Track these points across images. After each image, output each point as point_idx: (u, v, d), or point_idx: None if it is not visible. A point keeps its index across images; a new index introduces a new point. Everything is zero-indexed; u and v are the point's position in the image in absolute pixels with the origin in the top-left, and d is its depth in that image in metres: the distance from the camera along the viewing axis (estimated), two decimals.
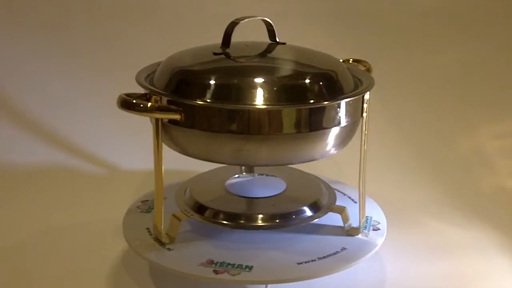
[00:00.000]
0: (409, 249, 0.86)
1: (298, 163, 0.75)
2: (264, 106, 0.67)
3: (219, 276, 0.70)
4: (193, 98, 0.68)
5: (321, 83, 0.70)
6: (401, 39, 1.20)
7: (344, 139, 0.73)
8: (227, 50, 0.75)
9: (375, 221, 0.81)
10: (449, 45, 1.20)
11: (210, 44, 0.78)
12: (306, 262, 0.72)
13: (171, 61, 0.76)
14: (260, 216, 0.76)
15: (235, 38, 0.76)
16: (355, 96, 0.71)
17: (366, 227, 0.79)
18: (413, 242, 0.88)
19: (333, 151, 0.73)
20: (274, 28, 0.78)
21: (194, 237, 0.76)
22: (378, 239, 0.77)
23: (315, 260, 0.72)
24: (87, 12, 1.21)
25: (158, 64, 0.78)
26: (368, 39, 1.20)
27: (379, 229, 0.79)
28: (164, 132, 0.74)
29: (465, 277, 0.81)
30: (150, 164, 0.86)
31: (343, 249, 0.74)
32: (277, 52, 0.77)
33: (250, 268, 0.71)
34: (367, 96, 0.74)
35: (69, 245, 0.87)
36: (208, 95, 0.68)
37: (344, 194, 0.88)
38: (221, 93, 0.69)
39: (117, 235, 0.82)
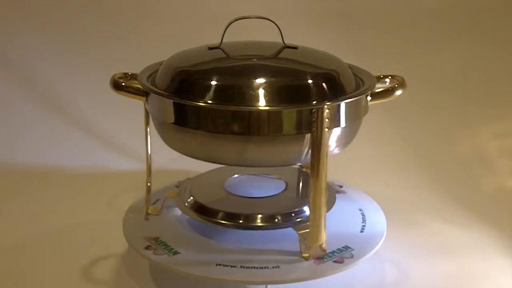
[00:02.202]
0: (409, 249, 0.86)
1: (299, 164, 0.75)
2: (264, 108, 0.67)
3: (144, 251, 0.74)
4: (195, 98, 0.69)
5: (322, 83, 0.70)
6: (401, 39, 1.20)
7: (345, 140, 0.73)
8: (222, 46, 0.75)
9: (351, 253, 0.74)
10: (449, 45, 1.20)
11: (211, 43, 0.78)
12: (225, 266, 0.71)
13: (173, 60, 0.76)
14: (259, 216, 0.76)
15: (239, 37, 0.76)
16: (355, 96, 0.71)
17: (331, 256, 0.73)
18: (413, 242, 0.88)
19: (334, 151, 0.73)
20: (279, 27, 0.76)
21: (177, 219, 0.80)
22: (318, 272, 0.70)
23: (235, 267, 0.71)
24: (88, 11, 1.21)
25: (160, 63, 0.78)
26: (368, 39, 1.20)
27: (342, 261, 0.72)
28: (166, 132, 0.74)
29: (465, 277, 0.81)
30: (152, 164, 0.86)
31: (275, 267, 0.71)
32: (277, 51, 0.76)
33: (175, 253, 0.73)
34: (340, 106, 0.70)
35: (69, 245, 0.87)
36: (210, 95, 0.68)
37: (345, 193, 0.88)
38: (222, 93, 0.69)
39: (118, 235, 0.82)
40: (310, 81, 0.70)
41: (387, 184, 1.02)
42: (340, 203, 0.83)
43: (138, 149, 1.11)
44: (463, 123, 1.14)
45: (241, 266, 0.71)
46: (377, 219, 0.81)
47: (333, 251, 0.73)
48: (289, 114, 0.68)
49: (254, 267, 0.71)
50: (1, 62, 1.20)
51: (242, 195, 0.80)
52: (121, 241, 0.79)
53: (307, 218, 0.77)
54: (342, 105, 0.70)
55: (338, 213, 0.81)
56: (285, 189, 0.82)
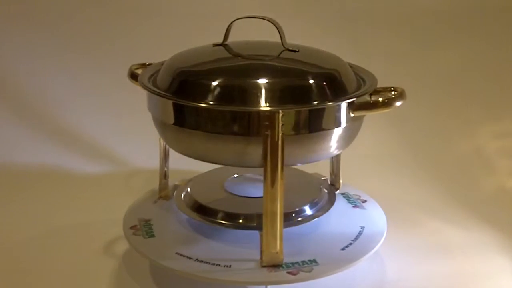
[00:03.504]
0: (409, 249, 0.86)
1: (299, 164, 0.75)
2: (263, 108, 0.67)
3: (128, 230, 0.78)
4: (196, 99, 0.68)
5: (323, 83, 0.70)
6: (401, 39, 1.20)
7: (345, 140, 0.73)
8: (225, 43, 0.76)
9: (311, 267, 0.71)
10: (449, 45, 1.20)
11: (212, 44, 0.78)
12: (181, 256, 0.72)
13: (174, 61, 0.76)
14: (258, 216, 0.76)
15: (240, 37, 0.76)
16: (355, 97, 0.70)
17: (290, 266, 0.71)
18: (413, 242, 0.88)
19: (334, 152, 0.73)
20: (281, 28, 0.75)
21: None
22: (262, 278, 0.69)
23: (191, 259, 0.72)
24: (87, 10, 1.21)
25: (162, 64, 0.78)
26: (368, 39, 1.20)
27: (296, 274, 0.70)
28: (166, 133, 0.74)
29: (465, 277, 0.81)
30: (150, 164, 0.86)
31: (226, 266, 0.71)
32: (279, 51, 0.76)
33: (151, 236, 0.76)
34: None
35: (70, 245, 0.87)
36: (210, 96, 0.68)
37: (363, 208, 0.86)
38: (222, 94, 0.68)
39: (118, 235, 0.82)
40: (311, 81, 0.70)
41: (387, 184, 1.02)
42: (346, 216, 0.82)
43: (138, 149, 1.11)
44: (463, 123, 1.14)
45: (196, 259, 0.72)
46: (371, 241, 0.76)
47: (297, 262, 0.72)
48: (288, 115, 0.67)
49: (207, 263, 0.71)
50: (2, 62, 1.20)
51: (242, 195, 0.80)
52: (122, 241, 0.79)
53: (308, 218, 0.77)
54: (343, 104, 0.69)
55: (335, 225, 0.79)
56: (285, 189, 0.82)
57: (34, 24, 1.19)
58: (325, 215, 0.79)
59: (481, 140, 1.12)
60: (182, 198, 0.81)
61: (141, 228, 0.78)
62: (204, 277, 0.70)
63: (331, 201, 0.81)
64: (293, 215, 0.77)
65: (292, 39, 0.78)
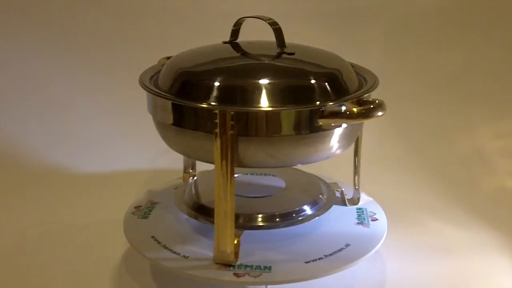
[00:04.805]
0: (409, 249, 0.86)
1: (300, 164, 0.75)
2: (262, 108, 0.67)
3: (132, 209, 0.82)
4: (196, 99, 0.68)
5: (325, 83, 0.70)
6: (401, 38, 1.20)
7: (346, 141, 0.73)
8: (227, 44, 0.76)
9: (261, 273, 0.69)
10: (449, 44, 1.20)
11: (213, 44, 0.78)
12: (155, 240, 0.75)
13: (174, 61, 0.76)
14: (259, 215, 0.76)
15: (240, 37, 0.76)
16: (356, 97, 0.70)
17: (242, 267, 0.70)
18: (413, 242, 0.88)
19: (335, 152, 0.73)
20: (278, 30, 0.75)
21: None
22: (206, 275, 0.68)
23: (161, 243, 0.74)
24: (87, 10, 1.21)
25: (162, 64, 0.78)
26: (368, 39, 1.20)
27: (242, 275, 0.68)
28: (166, 133, 0.74)
29: (465, 277, 0.81)
30: (150, 164, 0.86)
31: (184, 257, 0.71)
32: (278, 53, 0.75)
33: (145, 218, 0.80)
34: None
35: (70, 245, 0.87)
36: (211, 96, 0.68)
37: (367, 227, 0.83)
38: (223, 94, 0.68)
39: (118, 235, 0.82)
40: (312, 81, 0.70)
41: (387, 184, 1.02)
42: (341, 230, 0.78)
43: (139, 149, 1.11)
44: (463, 123, 1.14)
45: (163, 245, 0.74)
46: (344, 260, 0.72)
47: (251, 265, 0.70)
48: (288, 115, 0.67)
49: (171, 251, 0.73)
50: (2, 62, 1.20)
51: (242, 195, 0.80)
52: (122, 241, 0.79)
53: (308, 217, 0.77)
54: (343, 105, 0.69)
55: (321, 237, 0.76)
56: (285, 189, 0.82)
57: (34, 24, 1.19)
58: (316, 225, 0.78)
59: (481, 140, 1.12)
60: (182, 197, 0.81)
61: (143, 209, 0.81)
62: (149, 258, 0.72)
63: (322, 211, 0.79)
64: (294, 215, 0.77)
65: (294, 39, 0.78)
